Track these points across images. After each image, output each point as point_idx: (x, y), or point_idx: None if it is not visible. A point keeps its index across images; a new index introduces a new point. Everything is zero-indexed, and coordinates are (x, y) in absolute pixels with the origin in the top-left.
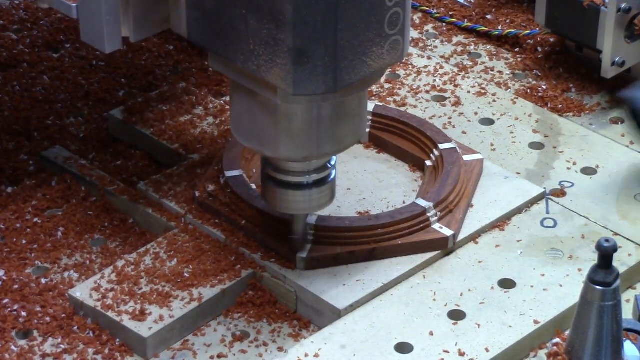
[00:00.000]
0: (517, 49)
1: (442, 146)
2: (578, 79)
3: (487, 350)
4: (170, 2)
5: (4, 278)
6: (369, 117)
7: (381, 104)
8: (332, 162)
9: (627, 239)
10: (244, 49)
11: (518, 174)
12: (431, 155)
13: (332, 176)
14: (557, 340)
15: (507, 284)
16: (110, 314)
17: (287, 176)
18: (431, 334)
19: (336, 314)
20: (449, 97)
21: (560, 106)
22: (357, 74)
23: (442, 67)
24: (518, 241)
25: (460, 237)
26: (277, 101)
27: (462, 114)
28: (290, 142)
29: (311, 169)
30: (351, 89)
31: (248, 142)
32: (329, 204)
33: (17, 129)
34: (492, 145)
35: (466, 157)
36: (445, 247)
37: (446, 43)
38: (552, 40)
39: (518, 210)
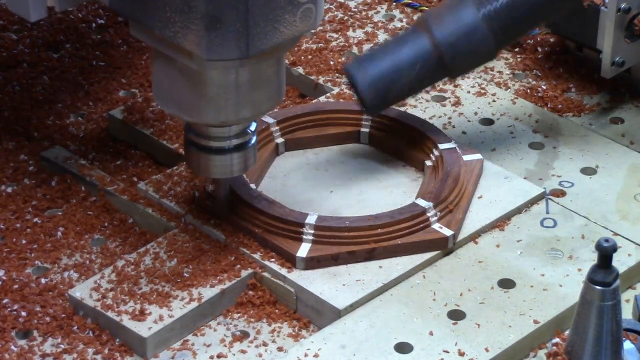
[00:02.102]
0: (517, 49)
1: (442, 146)
2: (578, 79)
3: (487, 350)
4: None
5: (4, 278)
6: (369, 118)
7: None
8: (252, 128)
9: (627, 239)
10: (161, 16)
11: (525, 178)
12: (431, 155)
13: (252, 141)
14: (557, 340)
15: (507, 284)
16: (110, 314)
17: (208, 141)
18: (431, 334)
19: (336, 314)
20: (449, 97)
21: (560, 106)
22: (269, 41)
23: None
24: (518, 241)
25: (460, 237)
26: (193, 67)
27: (462, 114)
28: (208, 107)
29: (231, 134)
30: (265, 55)
31: (168, 108)
32: (249, 169)
33: (17, 129)
34: (492, 145)
35: (466, 157)
36: (445, 247)
37: None
38: (552, 40)
39: (518, 210)
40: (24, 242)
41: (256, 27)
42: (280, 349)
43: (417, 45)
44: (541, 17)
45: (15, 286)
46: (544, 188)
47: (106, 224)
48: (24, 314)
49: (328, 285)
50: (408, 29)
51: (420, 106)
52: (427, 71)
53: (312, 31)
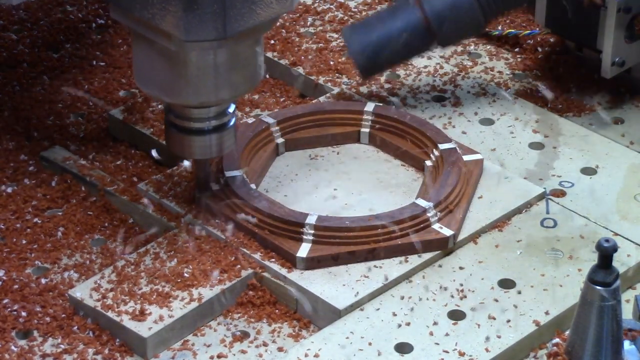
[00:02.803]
0: (517, 49)
1: (442, 146)
2: (578, 79)
3: (487, 350)
4: None
5: (4, 278)
6: (369, 118)
7: (381, 104)
8: (231, 109)
9: (627, 239)
10: None
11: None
12: (431, 155)
13: (232, 123)
14: (557, 340)
15: (507, 284)
16: (110, 314)
17: (188, 122)
18: (431, 334)
19: (336, 314)
20: (449, 97)
21: (560, 106)
22: (246, 22)
23: (442, 67)
24: (518, 241)
25: (460, 237)
26: (172, 48)
27: (462, 114)
28: (188, 88)
29: (210, 115)
30: (243, 37)
31: (148, 89)
32: (228, 150)
33: (17, 129)
34: (492, 145)
35: (466, 157)
36: (445, 247)
37: None
38: (552, 40)
39: (518, 210)
40: (24, 242)
41: (233, 8)
42: (280, 349)
43: (406, 14)
44: None
45: (16, 286)
46: (544, 188)
47: (106, 224)
48: (24, 314)
49: (328, 285)
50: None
51: (420, 106)
52: (415, 39)
53: (312, 31)
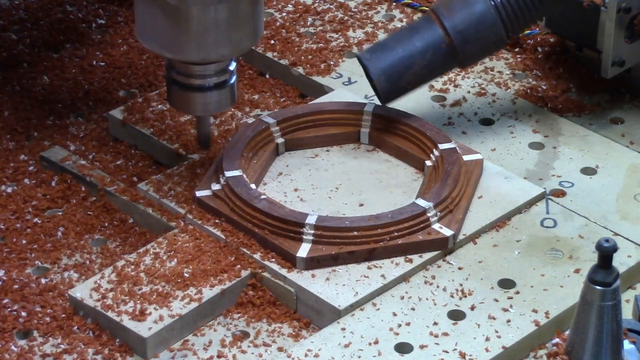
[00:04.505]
0: (517, 49)
1: (442, 146)
2: (578, 79)
3: (487, 350)
4: None
5: (4, 278)
6: (369, 118)
7: (381, 104)
8: (232, 67)
9: (627, 239)
10: None
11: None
12: (431, 155)
13: (232, 80)
14: (557, 340)
15: (507, 284)
16: (110, 314)
17: (189, 79)
18: (431, 334)
19: (336, 314)
20: (449, 97)
21: (560, 106)
22: None
23: None
24: (518, 241)
25: (460, 237)
26: (173, 2)
27: (462, 114)
28: (189, 43)
29: (211, 72)
30: None
31: (149, 45)
32: (228, 107)
33: (17, 129)
34: (492, 145)
35: (466, 157)
36: (445, 247)
37: None
38: (552, 40)
39: (518, 210)
40: (24, 242)
41: None
42: (280, 349)
43: (428, 34)
44: (549, 4)
45: (16, 286)
46: (544, 188)
47: (106, 224)
48: (24, 314)
49: (328, 285)
50: (419, 19)
51: (420, 106)
52: (437, 59)
53: (312, 31)
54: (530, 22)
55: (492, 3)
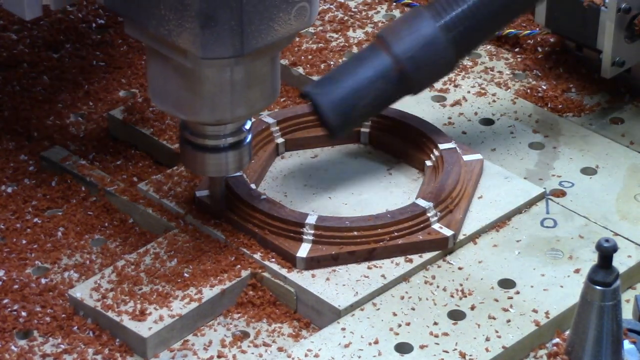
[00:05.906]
0: (517, 49)
1: (442, 146)
2: (578, 79)
3: (487, 350)
4: None
5: (4, 278)
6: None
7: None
8: (247, 126)
9: (627, 239)
10: (155, 14)
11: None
12: (431, 155)
13: (247, 140)
14: (557, 340)
15: (507, 284)
16: (110, 314)
17: (204, 140)
18: (431, 334)
19: (336, 314)
20: (449, 97)
21: (560, 106)
22: (264, 39)
23: None
24: (518, 241)
25: (460, 237)
26: (188, 65)
27: (462, 114)
28: (204, 105)
29: (226, 133)
30: (260, 54)
31: (163, 106)
32: (244, 167)
33: (17, 129)
34: (492, 145)
35: (466, 157)
36: (445, 247)
37: None
38: (552, 40)
39: (518, 210)
40: (24, 242)
41: (251, 25)
42: (280, 349)
43: (376, 62)
44: (500, 22)
45: (16, 286)
46: (544, 188)
47: (106, 224)
48: (24, 314)
49: (328, 285)
50: (364, 48)
51: (420, 106)
52: (388, 88)
53: (312, 31)
54: (482, 40)
55: (440, 25)
